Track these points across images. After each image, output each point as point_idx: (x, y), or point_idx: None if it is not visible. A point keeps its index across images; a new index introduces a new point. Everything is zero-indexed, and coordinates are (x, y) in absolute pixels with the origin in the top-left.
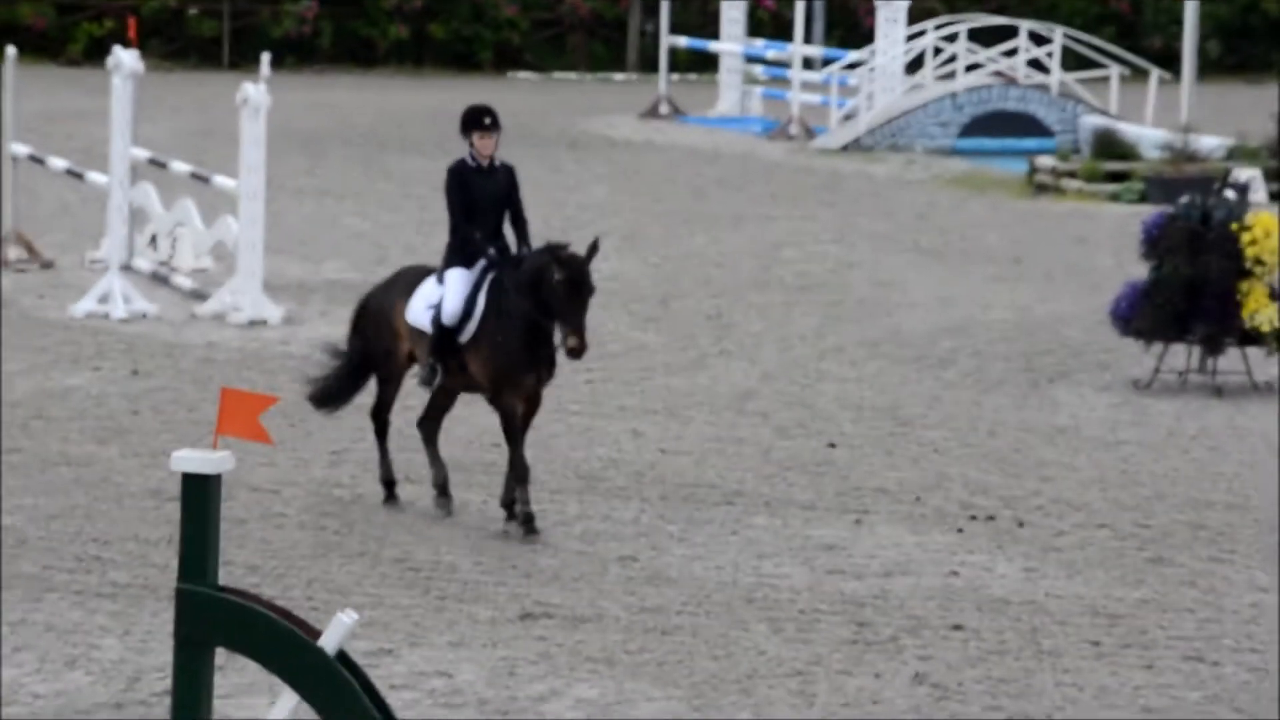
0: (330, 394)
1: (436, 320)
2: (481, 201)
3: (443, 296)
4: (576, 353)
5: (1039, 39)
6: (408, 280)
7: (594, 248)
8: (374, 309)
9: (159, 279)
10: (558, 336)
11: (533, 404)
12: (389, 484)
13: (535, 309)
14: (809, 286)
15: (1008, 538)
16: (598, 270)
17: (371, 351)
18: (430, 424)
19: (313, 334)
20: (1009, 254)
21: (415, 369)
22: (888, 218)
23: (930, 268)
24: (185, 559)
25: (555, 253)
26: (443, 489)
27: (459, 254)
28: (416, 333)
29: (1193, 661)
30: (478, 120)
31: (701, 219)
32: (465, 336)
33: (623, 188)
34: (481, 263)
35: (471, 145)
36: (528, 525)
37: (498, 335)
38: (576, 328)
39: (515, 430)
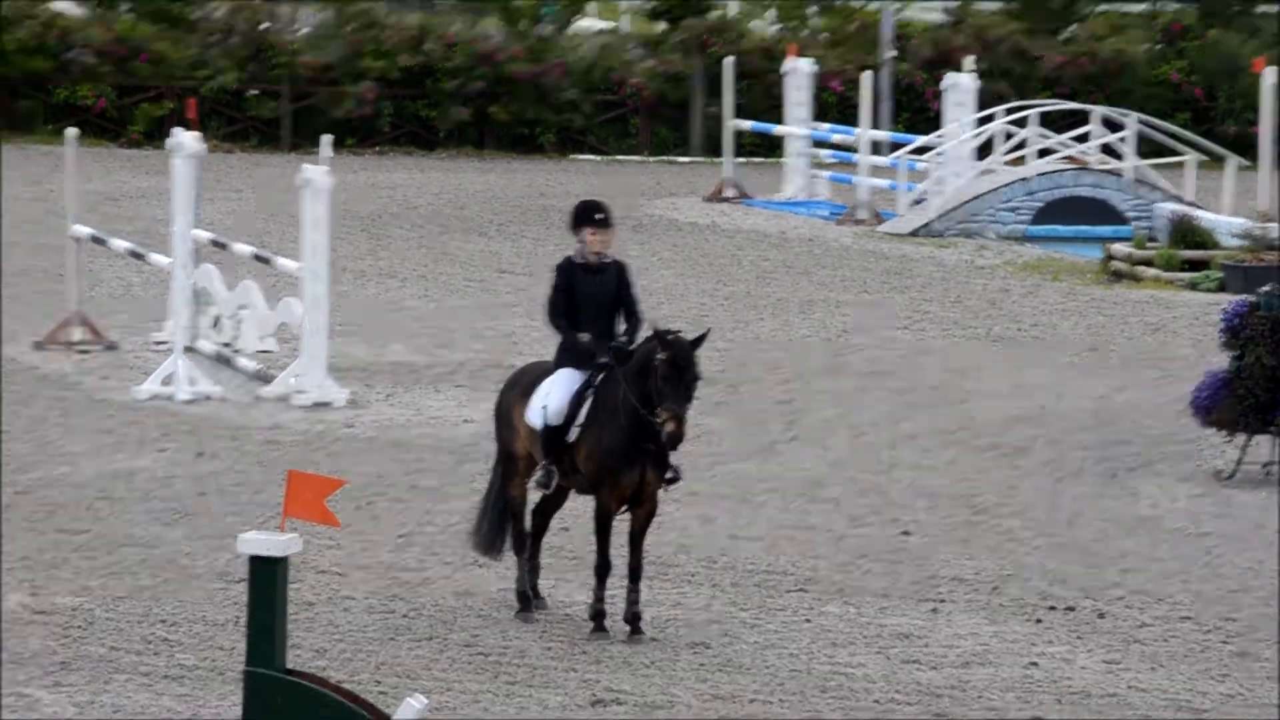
0: (490, 535)
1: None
2: (589, 299)
3: (548, 395)
4: (675, 439)
5: (1112, 125)
6: (529, 379)
7: (704, 335)
8: (500, 409)
9: (223, 360)
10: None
11: (646, 506)
12: (523, 597)
13: (640, 400)
14: (880, 373)
15: (1088, 629)
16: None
17: (504, 452)
18: (536, 522)
19: (377, 416)
20: (1084, 342)
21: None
22: (959, 304)
23: (1004, 355)
24: (253, 641)
25: (661, 337)
26: (524, 596)
27: (569, 353)
28: (533, 433)
29: None
30: (589, 216)
31: (769, 304)
32: (572, 436)
33: (688, 271)
34: (596, 362)
35: (582, 242)
36: (632, 624)
37: (601, 431)
38: (675, 412)
39: (605, 530)
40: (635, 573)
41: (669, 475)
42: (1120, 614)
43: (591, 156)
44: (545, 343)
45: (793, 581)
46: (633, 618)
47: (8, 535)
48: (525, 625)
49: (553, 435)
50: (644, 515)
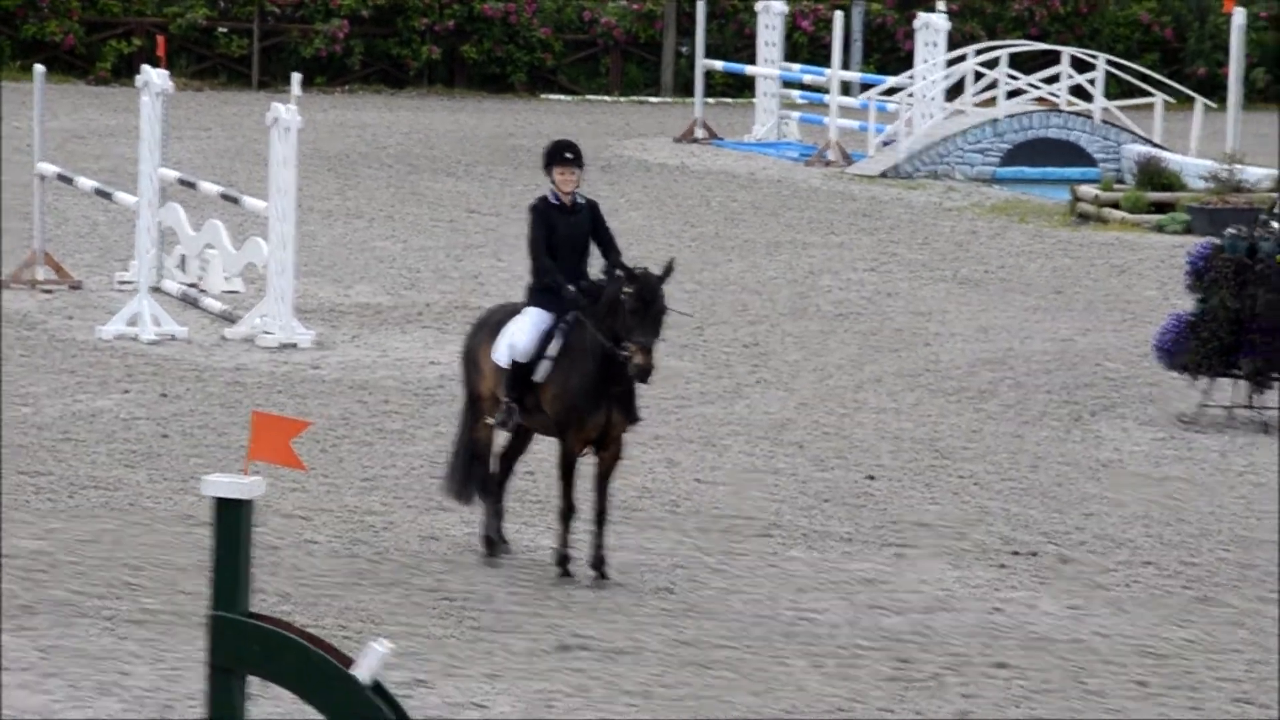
0: (462, 481)
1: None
2: (564, 240)
3: (515, 333)
4: (643, 371)
5: (1082, 65)
6: (497, 319)
7: (669, 268)
8: (467, 351)
9: (188, 301)
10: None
11: (611, 449)
12: (488, 541)
13: (609, 338)
14: (846, 315)
15: (1051, 574)
16: None
17: (470, 395)
18: (501, 466)
19: (343, 357)
20: (1050, 284)
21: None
22: (926, 246)
23: (970, 297)
24: (217, 585)
25: (628, 272)
26: (489, 541)
27: (541, 294)
28: (499, 372)
29: (1241, 704)
30: (559, 155)
31: (737, 245)
32: (540, 375)
33: (657, 213)
34: (564, 302)
35: (553, 181)
36: (597, 568)
37: (569, 371)
38: (643, 345)
39: (569, 473)
40: (600, 517)
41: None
42: (1083, 559)
43: (562, 96)
44: (513, 283)
45: (758, 526)
46: (597, 561)
47: None
48: (491, 570)
49: (518, 373)
50: (610, 459)
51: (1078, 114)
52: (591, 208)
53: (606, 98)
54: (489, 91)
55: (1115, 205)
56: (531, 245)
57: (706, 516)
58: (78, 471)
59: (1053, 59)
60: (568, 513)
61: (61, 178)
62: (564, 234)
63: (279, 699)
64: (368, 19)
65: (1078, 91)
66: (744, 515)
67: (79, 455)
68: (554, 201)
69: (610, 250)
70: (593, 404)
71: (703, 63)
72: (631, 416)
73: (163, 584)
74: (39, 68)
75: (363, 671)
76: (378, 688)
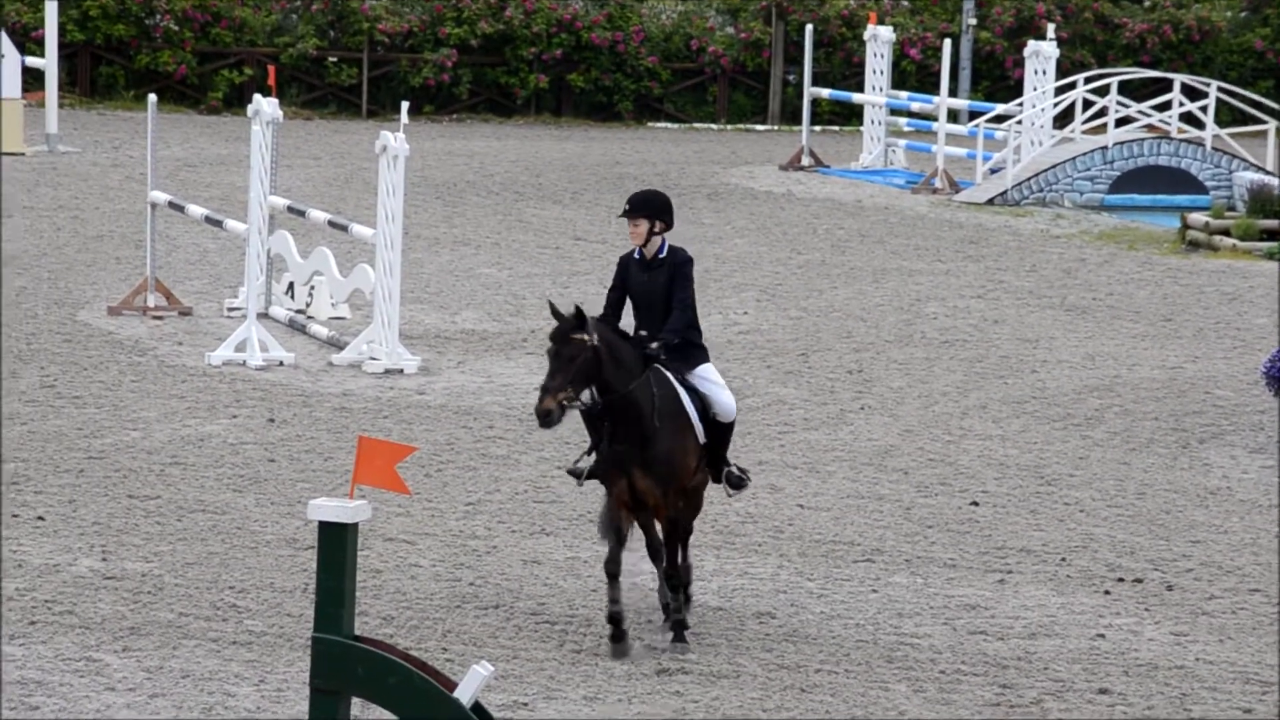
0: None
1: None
2: (641, 295)
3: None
4: (537, 413)
5: (1193, 93)
6: None
7: (576, 313)
8: None
9: (296, 327)
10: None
11: (651, 512)
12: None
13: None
14: (952, 342)
15: (1156, 601)
16: (737, 324)
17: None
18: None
19: (448, 384)
20: (1159, 312)
21: None
22: (1034, 273)
23: (1077, 324)
24: (321, 608)
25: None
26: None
27: None
28: None
29: None
30: (624, 209)
31: (843, 272)
32: None
33: (763, 240)
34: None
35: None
36: (676, 633)
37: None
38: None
39: (610, 530)
40: (671, 580)
41: (727, 477)
42: (1189, 586)
43: (668, 124)
44: None
45: (860, 551)
46: (675, 625)
47: (80, 501)
48: (591, 594)
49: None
50: (648, 521)
51: (1188, 141)
52: (674, 265)
53: (713, 126)
54: (596, 120)
55: (1226, 233)
56: (607, 297)
57: (809, 542)
58: (186, 495)
59: (1164, 86)
60: (610, 569)
61: (173, 205)
62: (639, 289)
63: None
64: (476, 48)
65: (1189, 119)
66: (847, 541)
67: (187, 479)
68: (636, 256)
69: (672, 312)
70: (610, 463)
71: (810, 90)
72: (653, 475)
73: (267, 606)
74: (152, 97)
75: (464, 694)
76: (479, 709)
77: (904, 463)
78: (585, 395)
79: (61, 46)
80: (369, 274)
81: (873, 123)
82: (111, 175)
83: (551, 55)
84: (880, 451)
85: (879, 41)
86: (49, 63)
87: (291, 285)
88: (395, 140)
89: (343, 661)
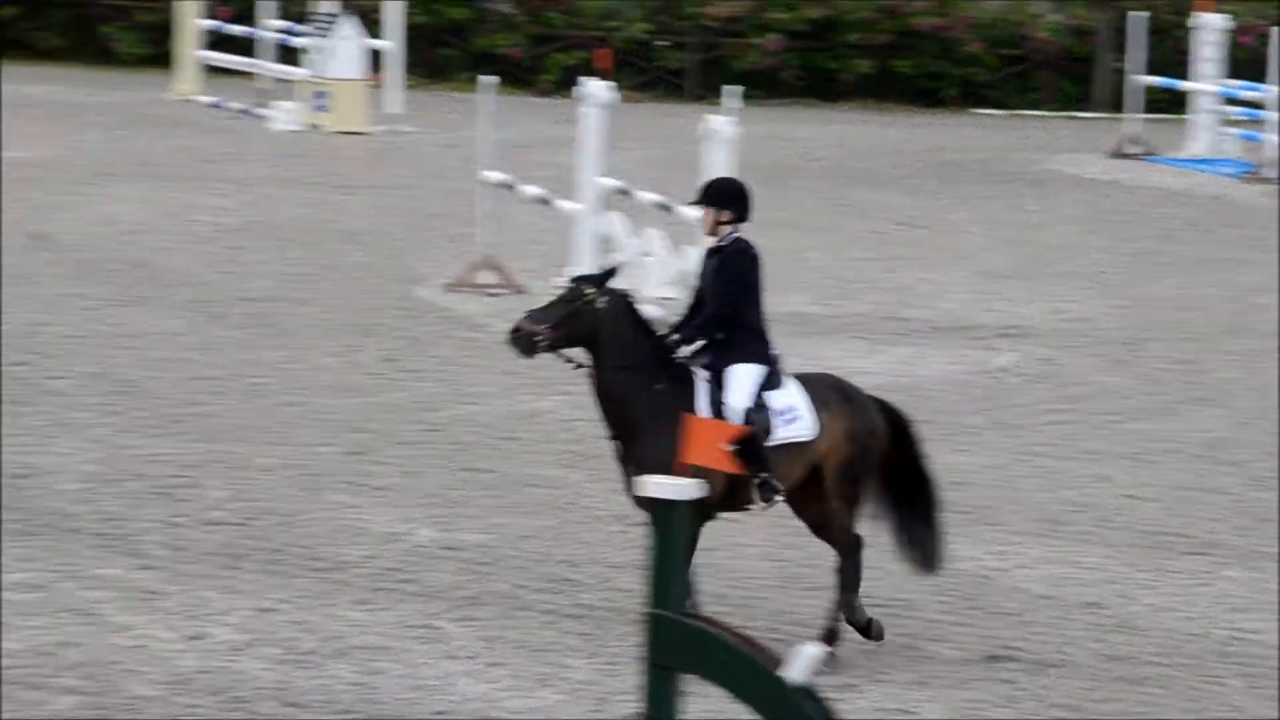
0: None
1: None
2: (702, 287)
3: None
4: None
5: None
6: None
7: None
8: None
9: None
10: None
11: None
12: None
13: None
14: None
15: None
16: (1063, 312)
17: None
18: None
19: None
20: None
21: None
22: None
23: None
24: (653, 584)
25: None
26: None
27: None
28: None
29: None
30: None
31: (1172, 262)
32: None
33: (1089, 228)
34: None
35: None
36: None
37: None
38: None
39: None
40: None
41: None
42: None
43: (993, 111)
44: (940, 296)
45: (1191, 544)
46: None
47: (419, 472)
48: (918, 579)
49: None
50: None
51: None
52: (721, 253)
53: (1037, 112)
54: (919, 105)
55: None
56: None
57: (1137, 532)
58: (520, 469)
59: None
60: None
61: (506, 185)
62: (702, 279)
63: (709, 697)
64: (803, 33)
65: None
66: (1177, 532)
67: (521, 454)
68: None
69: (707, 303)
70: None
71: (1137, 78)
72: (642, 473)
73: (599, 581)
74: (489, 78)
75: (794, 674)
76: (808, 690)
77: (1237, 455)
78: (576, 354)
79: (404, 29)
80: (695, 255)
81: (1202, 110)
82: (448, 155)
83: (877, 41)
84: (1212, 443)
85: (1210, 29)
86: (392, 45)
87: (621, 264)
88: (722, 124)
89: (675, 638)
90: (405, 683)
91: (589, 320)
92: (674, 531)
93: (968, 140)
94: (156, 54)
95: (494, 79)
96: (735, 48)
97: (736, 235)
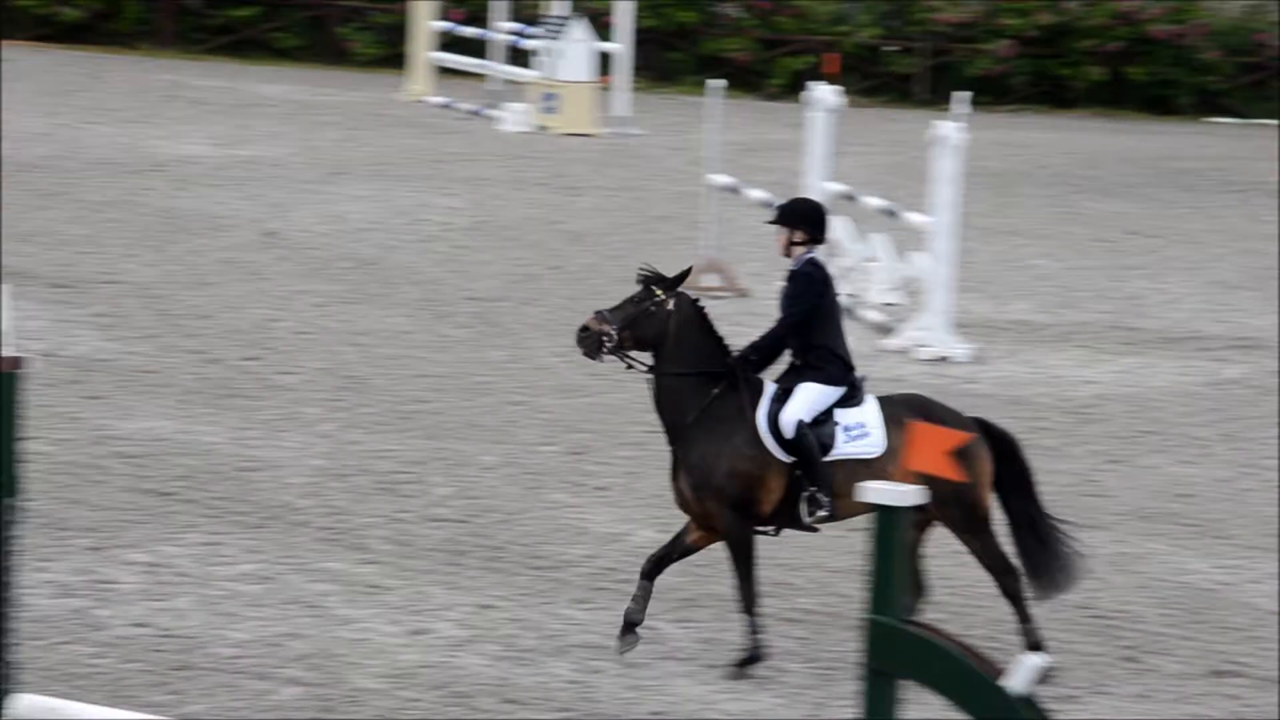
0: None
1: None
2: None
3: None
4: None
5: None
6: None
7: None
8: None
9: (847, 312)
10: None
11: (694, 514)
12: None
13: None
14: None
15: None
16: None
17: None
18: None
19: (998, 373)
20: None
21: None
22: None
23: None
24: (874, 590)
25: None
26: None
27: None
28: None
29: None
30: None
31: None
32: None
33: None
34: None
35: None
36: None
37: None
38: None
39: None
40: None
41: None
42: None
43: (1228, 119)
44: (1169, 307)
45: None
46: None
47: (640, 473)
48: (1143, 590)
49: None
50: (713, 537)
51: None
52: (790, 276)
53: (1275, 121)
54: (1152, 113)
55: None
56: None
57: None
58: None
59: None
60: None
61: (732, 189)
62: (780, 298)
63: (926, 704)
64: (1034, 39)
65: None
66: None
67: None
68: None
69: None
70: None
71: None
72: (690, 478)
73: (818, 586)
74: (716, 81)
75: (1015, 683)
76: (1029, 700)
77: None
78: (638, 355)
79: (633, 32)
80: (921, 262)
81: None
82: (674, 158)
83: (1110, 48)
84: None
85: None
86: (621, 48)
87: (845, 270)
88: (951, 129)
89: (894, 644)
90: (622, 682)
91: (658, 323)
92: (894, 537)
93: (1202, 149)
94: (390, 55)
95: (721, 82)
96: (966, 53)
97: (810, 256)
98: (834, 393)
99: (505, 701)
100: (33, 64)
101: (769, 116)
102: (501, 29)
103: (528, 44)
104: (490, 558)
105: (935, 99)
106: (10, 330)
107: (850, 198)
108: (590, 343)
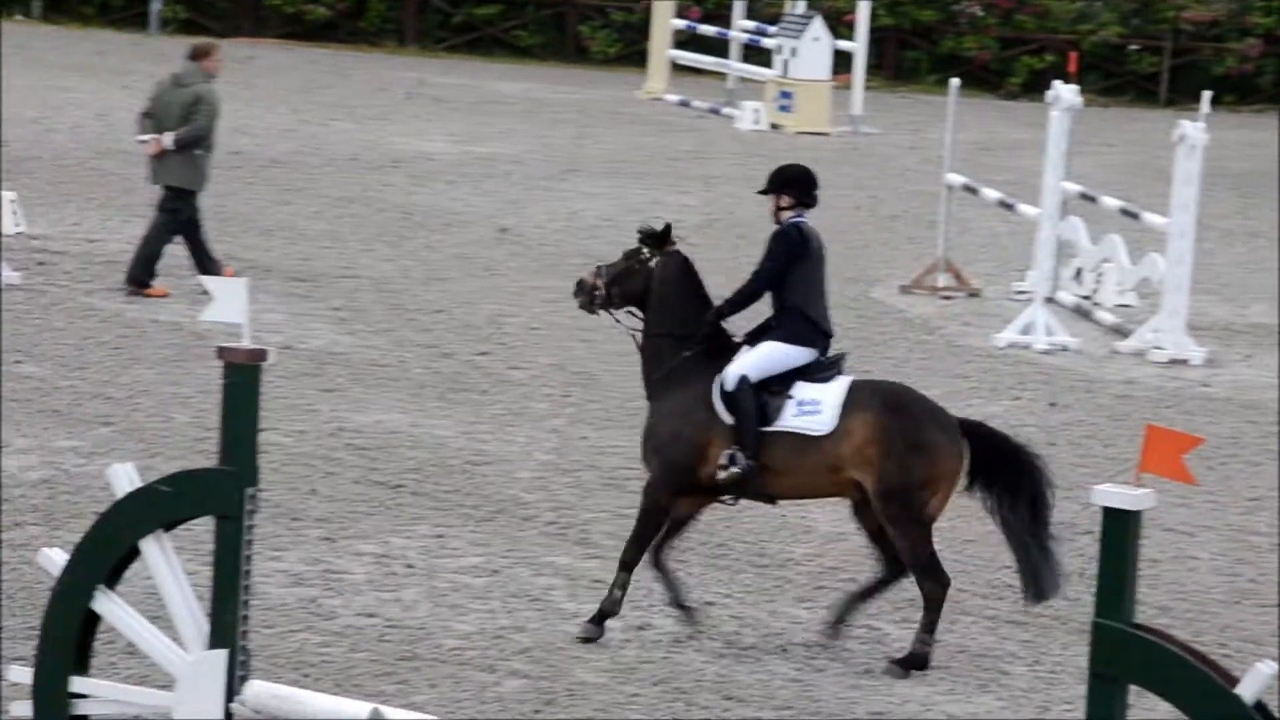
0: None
1: None
2: None
3: None
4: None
5: None
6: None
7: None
8: None
9: (1081, 313)
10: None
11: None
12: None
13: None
14: None
15: None
16: None
17: None
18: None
19: (1234, 377)
20: None
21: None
22: None
23: None
24: (1103, 594)
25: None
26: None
27: None
28: None
29: None
30: None
31: None
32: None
33: None
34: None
35: None
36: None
37: None
38: None
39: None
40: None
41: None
42: None
43: None
44: None
45: None
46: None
47: None
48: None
49: None
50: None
51: None
52: (771, 236)
53: None
54: None
55: None
56: None
57: None
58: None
59: None
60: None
61: (967, 189)
62: None
63: (1152, 710)
64: None
65: None
66: None
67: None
68: None
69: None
70: None
71: None
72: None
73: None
74: (954, 81)
75: (1247, 691)
76: (1262, 709)
77: None
78: (625, 314)
79: (871, 31)
80: (1158, 263)
81: None
82: (909, 157)
83: None
84: None
85: None
86: (858, 46)
87: (1080, 271)
88: (1194, 129)
89: (1123, 649)
90: (843, 681)
91: (640, 281)
92: (1126, 541)
93: None
94: (629, 53)
95: (958, 81)
96: (1212, 52)
97: (796, 220)
98: (796, 353)
99: (726, 699)
100: (280, 61)
101: (1007, 115)
102: (740, 27)
103: (767, 43)
104: (713, 555)
105: (1179, 99)
106: (249, 323)
107: (1088, 198)
108: (584, 297)
